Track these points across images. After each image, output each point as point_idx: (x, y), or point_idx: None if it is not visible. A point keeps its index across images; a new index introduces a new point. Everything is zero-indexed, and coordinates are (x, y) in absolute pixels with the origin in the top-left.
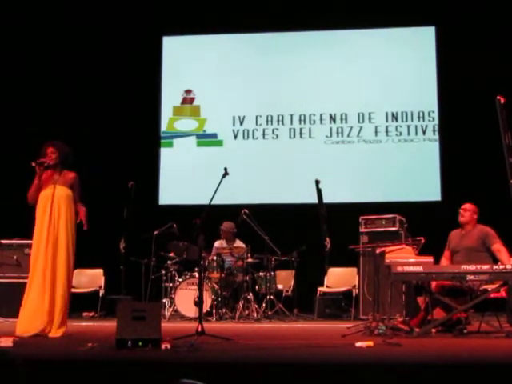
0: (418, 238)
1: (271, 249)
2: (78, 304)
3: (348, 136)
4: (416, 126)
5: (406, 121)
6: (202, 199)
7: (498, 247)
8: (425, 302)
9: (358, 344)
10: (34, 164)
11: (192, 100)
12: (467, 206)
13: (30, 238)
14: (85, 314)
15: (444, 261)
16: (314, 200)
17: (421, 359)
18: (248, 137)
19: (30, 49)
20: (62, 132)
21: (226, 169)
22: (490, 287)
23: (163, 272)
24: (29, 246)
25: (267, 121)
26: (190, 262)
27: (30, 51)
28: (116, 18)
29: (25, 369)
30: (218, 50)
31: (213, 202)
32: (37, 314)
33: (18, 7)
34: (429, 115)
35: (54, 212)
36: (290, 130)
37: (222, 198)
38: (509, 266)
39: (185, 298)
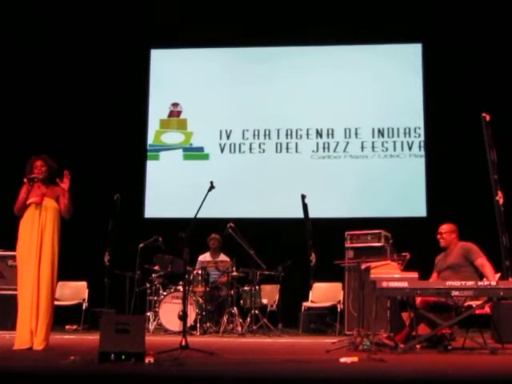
0: (403, 254)
1: (256, 263)
2: (61, 317)
3: (334, 151)
4: (402, 142)
5: (392, 136)
6: (188, 213)
7: (482, 262)
8: (409, 318)
9: (343, 359)
10: (26, 180)
11: (179, 113)
12: (442, 228)
13: (14, 249)
14: (68, 326)
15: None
16: (300, 215)
17: (405, 375)
18: (235, 151)
19: (16, 59)
20: (48, 144)
21: (212, 182)
22: (474, 303)
23: (148, 285)
24: (13, 257)
25: (254, 135)
26: (175, 276)
27: (15, 61)
28: (104, 30)
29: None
30: (206, 63)
31: (198, 216)
32: (27, 328)
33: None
34: (415, 131)
35: (42, 223)
36: (276, 144)
37: (208, 212)
38: (493, 283)
39: (169, 312)
